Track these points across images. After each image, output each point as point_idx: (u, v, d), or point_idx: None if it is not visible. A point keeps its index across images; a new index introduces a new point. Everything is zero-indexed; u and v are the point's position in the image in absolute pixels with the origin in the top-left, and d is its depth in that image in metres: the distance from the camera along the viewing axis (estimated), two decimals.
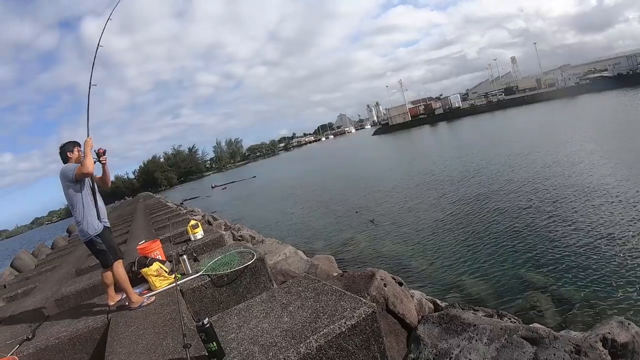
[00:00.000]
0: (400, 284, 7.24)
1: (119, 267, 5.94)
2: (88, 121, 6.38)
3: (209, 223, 18.68)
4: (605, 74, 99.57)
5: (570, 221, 15.07)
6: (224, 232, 13.52)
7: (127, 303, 6.05)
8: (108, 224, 6.06)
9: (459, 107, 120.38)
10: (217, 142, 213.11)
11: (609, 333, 5.15)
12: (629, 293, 9.85)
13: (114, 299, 6.25)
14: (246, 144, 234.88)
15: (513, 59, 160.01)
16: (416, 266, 13.97)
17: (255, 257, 6.38)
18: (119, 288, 6.19)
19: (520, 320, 7.22)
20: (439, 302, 8.22)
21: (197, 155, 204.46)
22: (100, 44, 7.28)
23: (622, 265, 11.24)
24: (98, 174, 6.01)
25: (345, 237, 18.91)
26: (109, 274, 5.97)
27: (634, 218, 14.15)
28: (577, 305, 9.79)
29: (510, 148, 35.03)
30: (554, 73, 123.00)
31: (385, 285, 6.61)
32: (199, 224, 9.31)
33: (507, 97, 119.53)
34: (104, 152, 6.06)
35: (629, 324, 5.38)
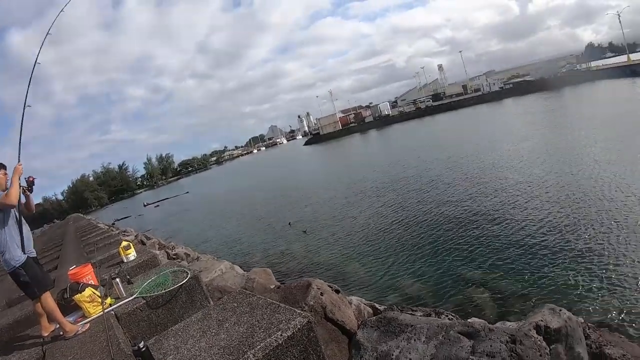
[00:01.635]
0: (337, 291, 7.29)
1: (47, 298, 5.64)
2: (20, 145, 6.17)
3: (142, 243, 18.16)
4: (527, 78, 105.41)
5: (500, 218, 15.64)
6: (157, 252, 13.19)
7: (61, 333, 5.76)
8: (34, 254, 5.79)
9: (388, 115, 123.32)
10: (147, 158, 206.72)
11: (542, 320, 5.33)
12: (559, 280, 10.33)
13: (47, 329, 5.93)
14: (178, 158, 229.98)
15: (440, 67, 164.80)
16: (353, 272, 14.11)
17: (189, 276, 6.25)
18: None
19: (457, 316, 7.38)
20: (377, 306, 8.29)
21: (128, 173, 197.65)
22: (37, 61, 7.06)
23: (550, 255, 11.78)
24: (22, 199, 5.73)
25: (281, 249, 18.92)
26: (39, 304, 5.67)
27: (557, 212, 14.83)
28: (511, 296, 10.18)
29: (438, 152, 36.03)
30: (480, 79, 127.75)
31: (322, 294, 6.63)
32: (131, 244, 9.08)
33: (435, 103, 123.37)
34: (33, 182, 5.89)
35: (560, 310, 5.59)
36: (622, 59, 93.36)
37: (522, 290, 10.38)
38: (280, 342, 3.52)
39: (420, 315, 6.97)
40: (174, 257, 13.73)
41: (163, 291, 6.08)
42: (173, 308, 6.09)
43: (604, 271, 10.27)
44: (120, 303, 6.15)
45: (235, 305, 4.58)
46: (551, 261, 11.45)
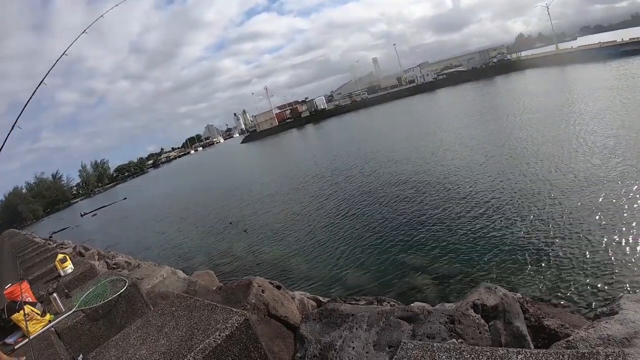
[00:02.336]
0: (279, 287, 7.36)
1: None
2: None
3: (81, 254, 17.71)
4: (460, 68, 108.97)
5: (435, 205, 16.18)
6: (96, 262, 12.96)
7: None
8: None
9: (324, 109, 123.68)
10: (82, 166, 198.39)
11: (478, 299, 5.50)
12: (495, 261, 10.83)
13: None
14: (114, 164, 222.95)
15: (375, 60, 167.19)
16: (296, 268, 14.30)
17: (127, 284, 6.11)
18: None
19: (399, 302, 7.59)
20: (321, 298, 8.41)
21: (63, 182, 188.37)
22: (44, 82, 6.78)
23: (486, 237, 12.32)
24: None
25: (223, 249, 18.96)
26: None
27: (489, 195, 15.45)
28: (451, 278, 10.64)
29: (373, 144, 36.78)
30: (414, 70, 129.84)
31: (263, 291, 6.70)
32: (68, 257, 8.82)
33: (371, 95, 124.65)
34: None
35: (495, 288, 5.77)
36: (551, 48, 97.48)
37: (460, 272, 10.83)
38: (219, 342, 3.57)
39: (362, 304, 7.12)
40: (114, 266, 13.45)
41: (102, 302, 5.93)
42: (114, 318, 5.96)
43: (537, 249, 10.83)
44: (60, 318, 5.92)
45: (174, 309, 4.56)
46: (487, 242, 11.98)
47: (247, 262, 16.22)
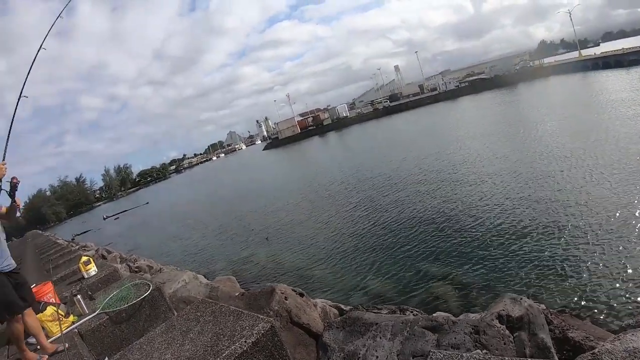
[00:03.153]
0: (302, 295, 7.32)
1: (28, 317, 5.11)
2: (8, 140, 5.58)
3: (103, 257, 17.86)
4: (482, 76, 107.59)
5: (459, 214, 15.97)
6: (119, 265, 13.03)
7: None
8: (9, 268, 5.05)
9: (346, 117, 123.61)
10: (105, 170, 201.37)
11: (503, 310, 5.45)
12: (519, 271, 10.64)
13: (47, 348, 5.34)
14: (136, 169, 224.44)
15: (396, 67, 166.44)
16: (317, 275, 14.20)
17: (151, 288, 6.16)
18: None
19: (422, 311, 7.54)
20: (342, 306, 8.36)
21: (86, 186, 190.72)
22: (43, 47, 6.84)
23: (510, 246, 12.11)
24: (4, 203, 5.15)
25: (244, 256, 18.86)
26: (14, 325, 4.97)
27: (513, 204, 15.23)
28: (474, 288, 10.44)
29: (395, 153, 36.49)
30: (436, 78, 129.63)
31: (286, 298, 6.67)
32: (91, 259, 8.90)
33: (393, 103, 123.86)
34: (17, 185, 5.17)
35: (520, 299, 5.72)
36: (574, 54, 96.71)
37: (484, 282, 10.64)
38: (245, 349, 3.53)
39: (385, 313, 7.06)
40: (136, 270, 13.53)
41: (126, 305, 5.96)
42: (137, 322, 5.98)
43: (562, 259, 10.59)
44: (83, 320, 5.99)
45: (199, 314, 4.55)
46: (511, 252, 11.77)
47: (268, 270, 16.12)
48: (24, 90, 6.26)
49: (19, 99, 6.10)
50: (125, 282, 6.95)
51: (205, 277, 12.80)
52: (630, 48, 69.10)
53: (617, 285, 8.95)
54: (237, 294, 8.15)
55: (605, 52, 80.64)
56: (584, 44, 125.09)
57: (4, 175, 5.07)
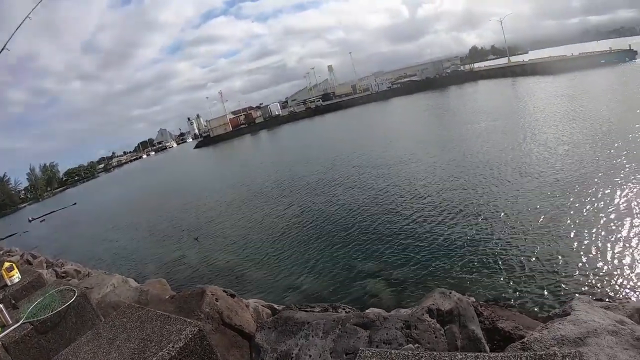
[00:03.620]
0: (233, 295, 7.28)
1: None
2: None
3: (29, 262, 17.11)
4: (414, 78, 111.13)
5: (390, 211, 16.43)
6: (45, 271, 12.57)
7: None
8: None
9: (278, 115, 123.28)
10: (30, 169, 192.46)
11: (433, 304, 5.59)
12: (449, 266, 11.11)
13: None
14: (63, 167, 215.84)
15: (330, 67, 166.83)
16: (250, 275, 14.25)
17: (76, 294, 5.77)
18: None
19: (354, 308, 7.62)
20: (275, 306, 8.38)
21: (10, 186, 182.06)
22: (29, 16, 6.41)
23: (439, 242, 12.62)
24: None
25: (176, 257, 18.67)
26: None
27: (442, 201, 15.76)
28: (405, 283, 10.82)
29: (328, 151, 36.95)
30: (368, 79, 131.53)
31: (217, 300, 6.60)
32: (14, 265, 8.48)
33: (325, 102, 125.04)
34: None
35: (450, 292, 5.88)
36: (503, 60, 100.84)
37: (414, 277, 11.02)
38: (172, 355, 3.48)
39: (317, 312, 7.11)
40: (62, 275, 13.07)
41: (50, 313, 5.62)
42: (63, 331, 5.69)
43: (490, 254, 11.16)
44: (7, 331, 5.57)
45: (125, 320, 4.43)
46: (440, 248, 12.26)
47: (200, 271, 16.01)
48: None
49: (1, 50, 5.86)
50: (50, 288, 6.52)
51: (135, 280, 12.53)
52: (557, 56, 72.75)
53: (543, 277, 9.47)
54: (167, 297, 8.03)
55: (533, 59, 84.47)
56: (513, 50, 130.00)
57: None
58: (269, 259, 15.33)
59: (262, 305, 8.10)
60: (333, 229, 16.42)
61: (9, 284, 8.06)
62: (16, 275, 8.17)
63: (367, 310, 7.33)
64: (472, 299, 7.38)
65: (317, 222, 17.74)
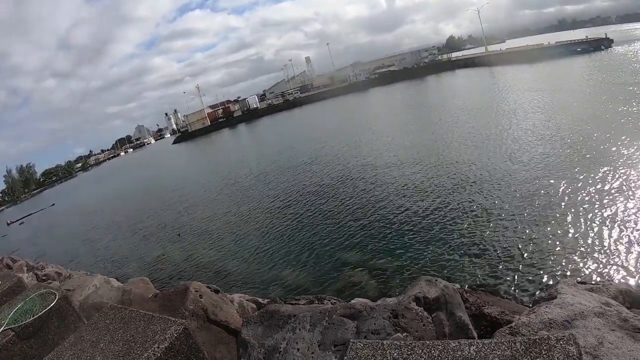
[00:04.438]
0: (217, 291, 7.21)
1: None
2: None
3: (8, 267, 16.80)
4: (392, 68, 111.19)
5: (372, 201, 16.43)
6: (25, 275, 12.36)
7: None
8: None
9: (256, 108, 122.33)
10: (7, 171, 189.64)
11: (420, 292, 5.59)
12: (433, 253, 11.18)
13: None
14: (41, 168, 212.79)
15: (307, 59, 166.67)
16: (233, 270, 14.20)
17: (57, 297, 5.63)
18: None
19: (340, 299, 7.61)
20: (260, 300, 8.36)
21: None
22: None
23: (423, 231, 12.68)
24: None
25: (158, 255, 18.52)
26: None
27: (424, 190, 15.84)
28: (390, 273, 10.88)
29: (307, 143, 37.05)
30: (346, 70, 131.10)
31: (201, 296, 6.53)
32: None
33: (303, 94, 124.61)
34: None
35: (436, 280, 5.89)
36: (480, 50, 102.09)
37: (399, 266, 11.10)
38: (158, 355, 3.41)
39: (303, 304, 7.08)
40: (44, 278, 12.86)
41: (32, 318, 5.45)
42: (45, 335, 5.50)
43: (473, 240, 11.27)
44: None
45: (108, 322, 4.34)
46: (424, 236, 12.34)
47: (183, 267, 15.92)
48: None
49: None
50: (30, 292, 6.35)
51: (117, 279, 12.44)
52: (534, 45, 73.64)
53: (527, 261, 9.66)
54: (150, 296, 7.93)
55: (511, 47, 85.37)
56: (490, 40, 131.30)
57: None
58: (252, 253, 15.28)
59: (246, 300, 8.06)
60: (315, 221, 16.45)
61: None
62: None
63: (353, 301, 7.32)
64: (458, 285, 7.42)
65: (299, 215, 17.74)
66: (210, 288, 7.16)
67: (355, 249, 12.89)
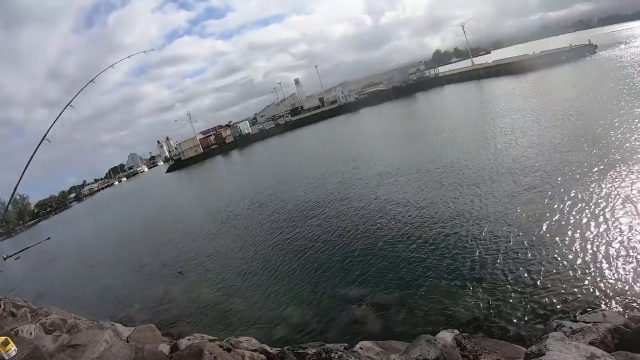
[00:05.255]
0: (229, 350, 7.31)
1: None
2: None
3: (13, 314, 16.75)
4: (380, 87, 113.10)
5: (371, 233, 16.61)
6: (31, 326, 12.32)
7: None
8: None
9: (249, 134, 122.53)
10: (1, 203, 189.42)
11: (420, 355, 5.82)
12: (431, 288, 11.40)
13: None
14: (34, 199, 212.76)
15: (297, 81, 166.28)
16: (237, 310, 14.27)
17: None
18: None
19: (346, 344, 7.76)
20: (269, 349, 8.41)
21: None
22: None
23: (422, 266, 12.80)
24: None
25: (161, 295, 18.47)
26: None
27: (427, 226, 15.92)
28: (392, 310, 11.05)
29: (302, 172, 37.40)
30: (335, 90, 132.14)
31: (215, 358, 6.66)
32: (9, 339, 8.28)
33: (294, 118, 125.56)
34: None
35: (435, 340, 6.11)
36: (467, 62, 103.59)
37: (400, 302, 11.27)
38: None
39: (311, 354, 7.25)
40: (50, 329, 12.83)
41: None
42: None
43: (472, 276, 11.40)
44: None
45: None
46: (426, 273, 12.41)
47: (187, 308, 15.93)
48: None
49: (41, 141, 6.14)
50: None
51: (123, 324, 12.51)
52: (519, 56, 74.69)
53: (523, 298, 9.80)
54: (166, 355, 8.06)
55: (497, 60, 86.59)
56: (476, 52, 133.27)
57: None
58: (254, 290, 15.39)
59: (257, 353, 8.15)
60: (315, 255, 16.58)
61: (6, 358, 7.80)
62: (13, 349, 7.91)
63: (358, 345, 7.55)
64: (456, 331, 7.66)
65: (300, 248, 17.87)
66: (222, 347, 7.29)
67: (356, 285, 13.04)
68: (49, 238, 74.29)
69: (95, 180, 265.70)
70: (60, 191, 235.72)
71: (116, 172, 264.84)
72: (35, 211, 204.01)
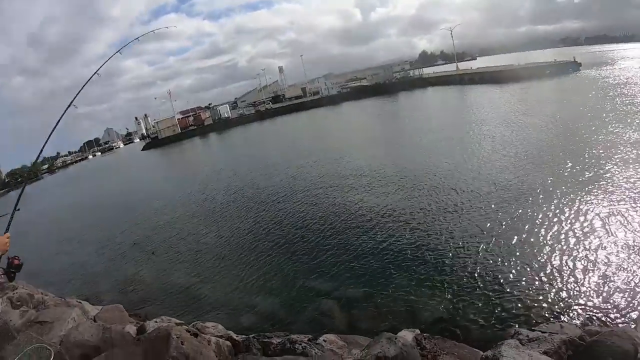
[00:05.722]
0: (195, 334, 7.38)
1: None
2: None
3: None
4: (364, 82, 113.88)
5: (348, 230, 16.74)
6: (3, 305, 12.25)
7: None
8: None
9: (228, 118, 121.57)
10: None
11: (381, 352, 5.99)
12: (400, 288, 11.61)
13: None
14: (6, 168, 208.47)
15: (280, 68, 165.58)
16: (206, 294, 14.33)
17: (53, 354, 5.60)
18: None
19: (310, 336, 7.93)
20: (234, 337, 8.48)
21: None
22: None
23: (393, 265, 13.01)
24: None
25: (129, 274, 18.37)
26: None
27: (402, 225, 16.14)
28: (357, 303, 11.31)
29: (280, 159, 37.57)
30: (319, 81, 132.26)
31: (182, 342, 6.68)
32: None
33: (275, 105, 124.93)
34: (19, 266, 4.78)
35: (395, 338, 6.28)
36: (452, 66, 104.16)
37: (365, 297, 11.50)
38: None
39: (276, 344, 7.41)
40: (18, 303, 12.82)
41: None
42: None
43: (440, 280, 11.60)
44: None
45: None
46: (395, 272, 12.62)
47: (156, 289, 15.93)
48: None
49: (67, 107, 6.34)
50: (22, 348, 5.98)
51: (90, 302, 12.48)
52: (504, 65, 75.28)
53: (485, 302, 10.11)
54: (129, 332, 8.14)
55: (481, 67, 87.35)
56: (462, 56, 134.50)
57: (5, 251, 4.61)
58: (225, 275, 15.50)
59: (222, 339, 8.25)
60: (287, 245, 16.71)
61: None
62: None
63: (322, 338, 7.72)
64: (417, 331, 7.87)
65: (273, 237, 17.98)
66: (189, 331, 7.36)
67: (325, 277, 13.24)
68: (18, 209, 73.09)
69: (70, 153, 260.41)
70: (33, 161, 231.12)
71: (91, 145, 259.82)
72: (7, 180, 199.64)
